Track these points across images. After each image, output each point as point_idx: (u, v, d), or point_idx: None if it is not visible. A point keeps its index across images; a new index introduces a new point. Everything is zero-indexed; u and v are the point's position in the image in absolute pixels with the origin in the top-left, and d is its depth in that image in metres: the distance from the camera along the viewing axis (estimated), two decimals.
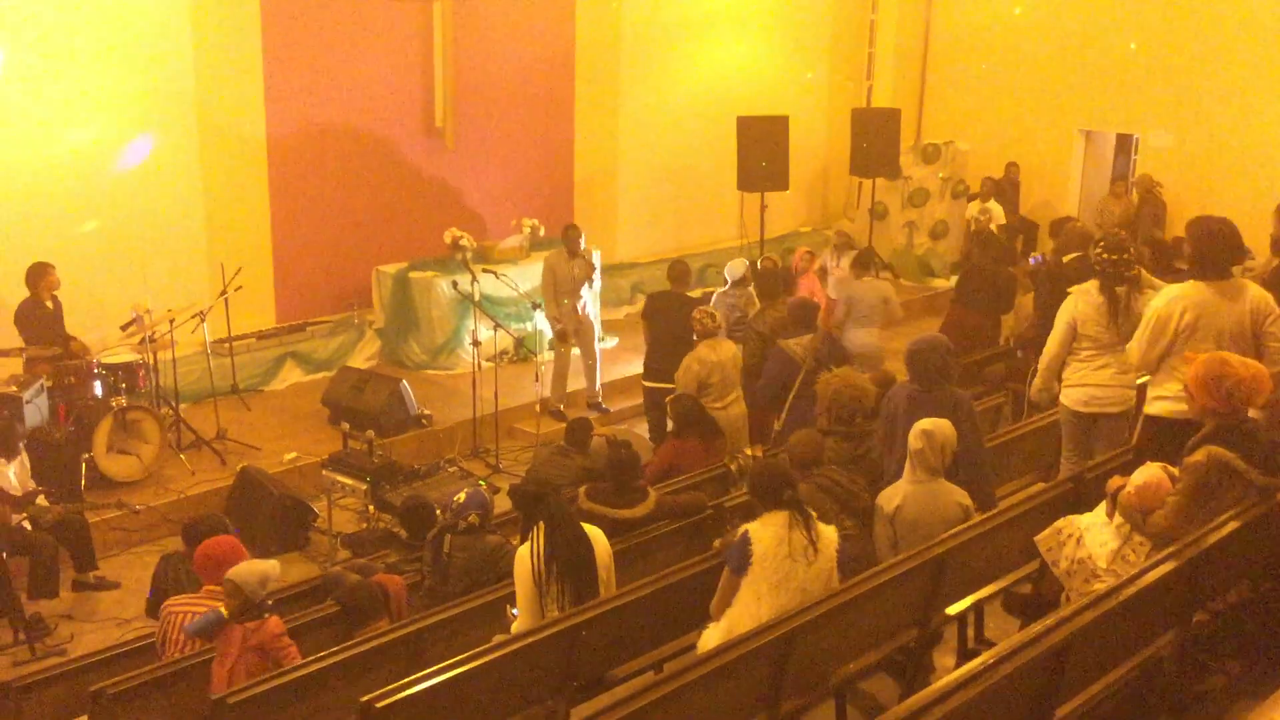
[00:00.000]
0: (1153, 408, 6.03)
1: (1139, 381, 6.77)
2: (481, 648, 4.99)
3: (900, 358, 6.80)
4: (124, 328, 9.92)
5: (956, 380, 6.44)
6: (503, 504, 6.80)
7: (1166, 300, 6.00)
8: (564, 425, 8.92)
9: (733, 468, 7.77)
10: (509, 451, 10.57)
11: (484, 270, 11.23)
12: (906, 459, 5.73)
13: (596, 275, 11.61)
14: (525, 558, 5.44)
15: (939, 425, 5.66)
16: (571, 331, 11.16)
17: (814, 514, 5.19)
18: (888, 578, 5.12)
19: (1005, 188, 15.74)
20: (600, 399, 11.50)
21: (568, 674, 5.24)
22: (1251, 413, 5.18)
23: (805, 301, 9.16)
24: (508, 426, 10.87)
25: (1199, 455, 4.88)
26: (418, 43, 12.82)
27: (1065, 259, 9.32)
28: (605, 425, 10.31)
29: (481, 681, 4.84)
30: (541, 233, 12.96)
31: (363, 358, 12.24)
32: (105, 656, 6.48)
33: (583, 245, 11.09)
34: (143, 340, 9.73)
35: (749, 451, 7.94)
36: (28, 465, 8.17)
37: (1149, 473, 5.02)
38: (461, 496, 6.24)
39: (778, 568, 4.99)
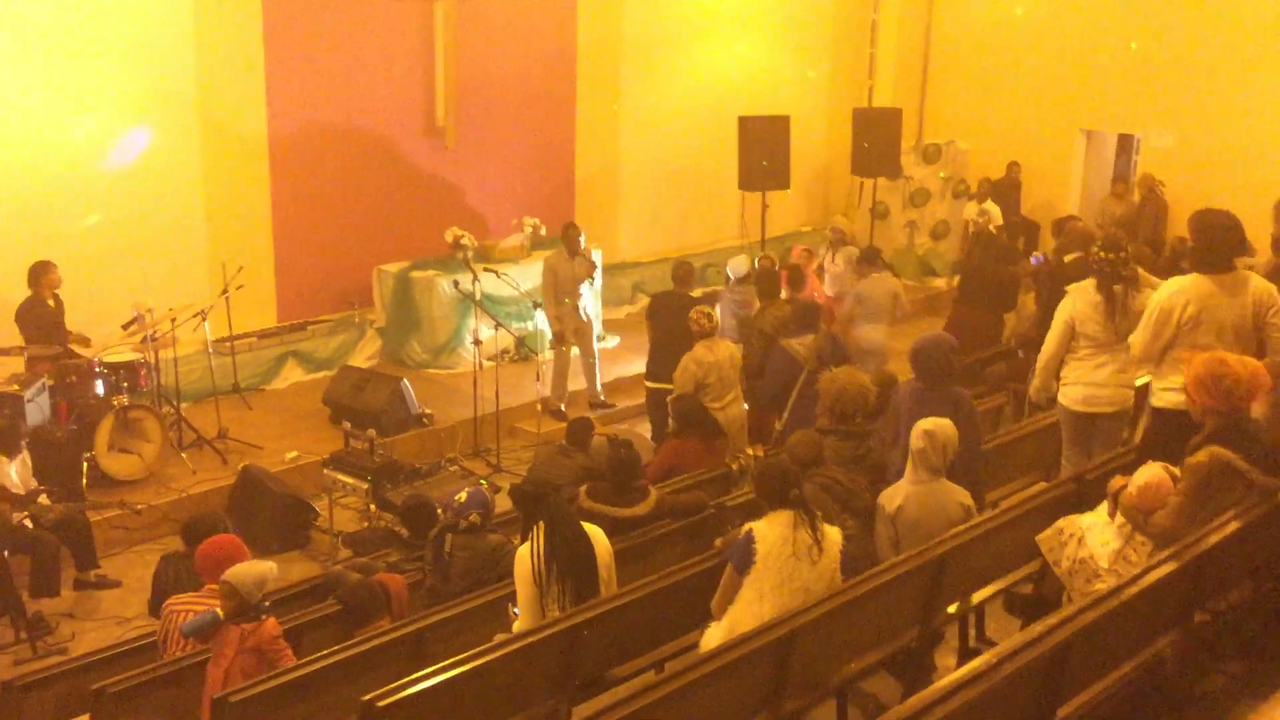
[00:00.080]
0: (1159, 400, 6.03)
1: (1139, 382, 6.77)
2: (483, 647, 4.99)
3: (904, 357, 6.81)
4: (125, 326, 9.92)
5: (959, 379, 6.46)
6: (504, 503, 6.80)
7: (1169, 293, 6.00)
8: (565, 424, 8.93)
9: (734, 467, 7.77)
10: (510, 451, 10.57)
11: (485, 269, 11.23)
12: (908, 458, 5.73)
13: (598, 274, 11.60)
14: (525, 557, 5.44)
15: (941, 425, 5.66)
16: (571, 331, 11.16)
17: (819, 514, 5.19)
18: (889, 577, 5.12)
19: (1006, 187, 15.73)
20: (602, 396, 11.50)
21: (569, 673, 5.24)
22: (1256, 410, 5.18)
23: (809, 302, 9.16)
24: (509, 426, 10.87)
25: (1200, 455, 4.88)
26: (419, 42, 12.82)
27: (1067, 258, 9.32)
28: (607, 425, 10.31)
29: (483, 681, 4.84)
30: (543, 232, 12.96)
31: (364, 357, 12.24)
32: (106, 655, 6.49)
33: (583, 244, 11.09)
34: (144, 339, 9.73)
35: (750, 451, 7.94)
36: (29, 464, 8.17)
37: (1150, 473, 5.02)
38: (463, 496, 6.24)
39: (781, 567, 4.99)
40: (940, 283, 15.80)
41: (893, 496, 5.76)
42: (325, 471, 9.00)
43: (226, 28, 11.40)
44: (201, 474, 9.56)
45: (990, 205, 14.61)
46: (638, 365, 11.61)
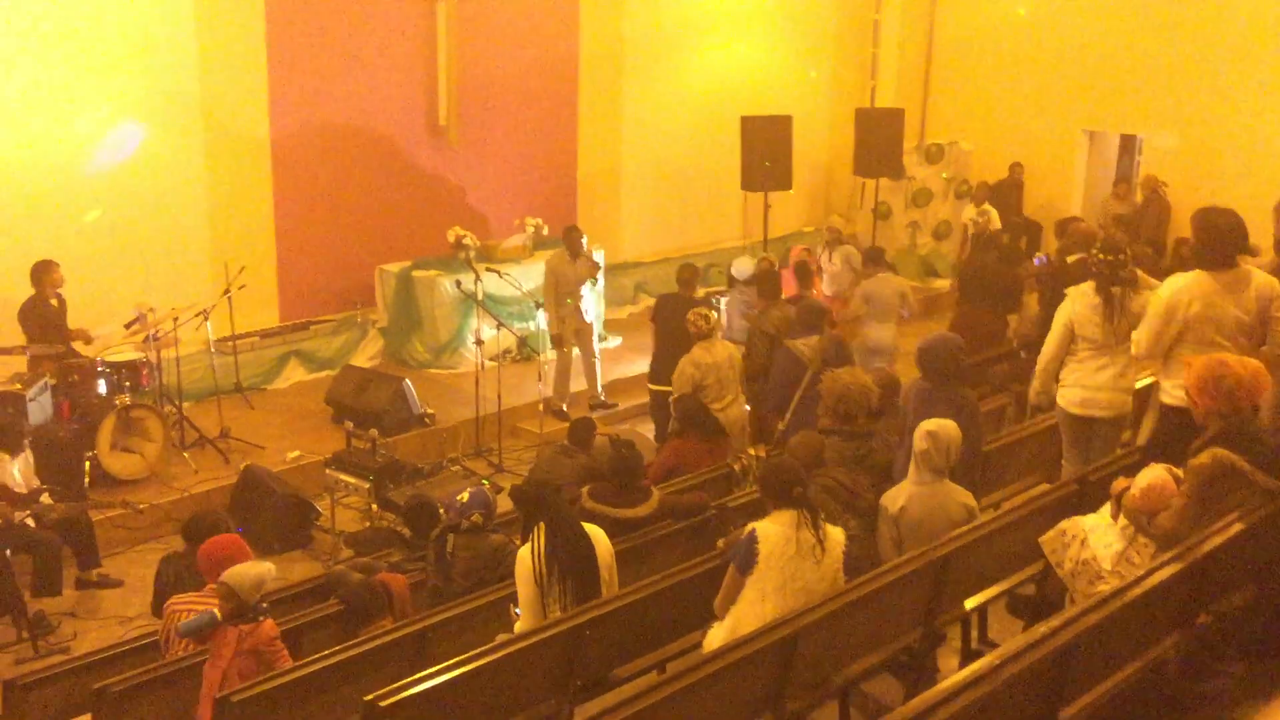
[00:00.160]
0: (1169, 398, 6.00)
1: (1141, 384, 6.77)
2: (485, 647, 4.99)
3: (908, 358, 6.81)
4: (128, 326, 9.92)
5: (965, 380, 6.47)
6: (505, 504, 6.80)
7: (1173, 290, 6.00)
8: (567, 425, 8.94)
9: (736, 468, 7.76)
10: (511, 451, 10.57)
11: (487, 269, 11.24)
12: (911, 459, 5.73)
13: (600, 276, 11.61)
14: (526, 558, 5.44)
15: (944, 426, 5.66)
16: (573, 332, 11.16)
17: (821, 513, 5.19)
18: (892, 578, 5.12)
19: (1008, 188, 15.73)
20: (602, 397, 11.50)
21: (571, 674, 5.23)
22: (1263, 412, 5.16)
23: (814, 303, 9.16)
24: (510, 426, 10.88)
25: (1204, 457, 4.87)
26: (421, 42, 12.83)
27: (1070, 259, 9.32)
28: (609, 425, 10.31)
29: (485, 681, 4.83)
30: (545, 232, 12.97)
31: (366, 357, 12.24)
32: (108, 655, 6.48)
33: (585, 246, 11.09)
34: (146, 338, 9.74)
35: (752, 452, 7.94)
36: (32, 462, 8.17)
37: (1154, 475, 5.01)
38: (465, 496, 6.25)
39: (784, 567, 4.99)
40: (943, 283, 15.80)
41: (895, 497, 5.75)
42: (327, 471, 9.01)
43: (229, 28, 11.41)
44: (203, 473, 9.56)
45: (988, 207, 14.60)
46: (639, 365, 11.62)
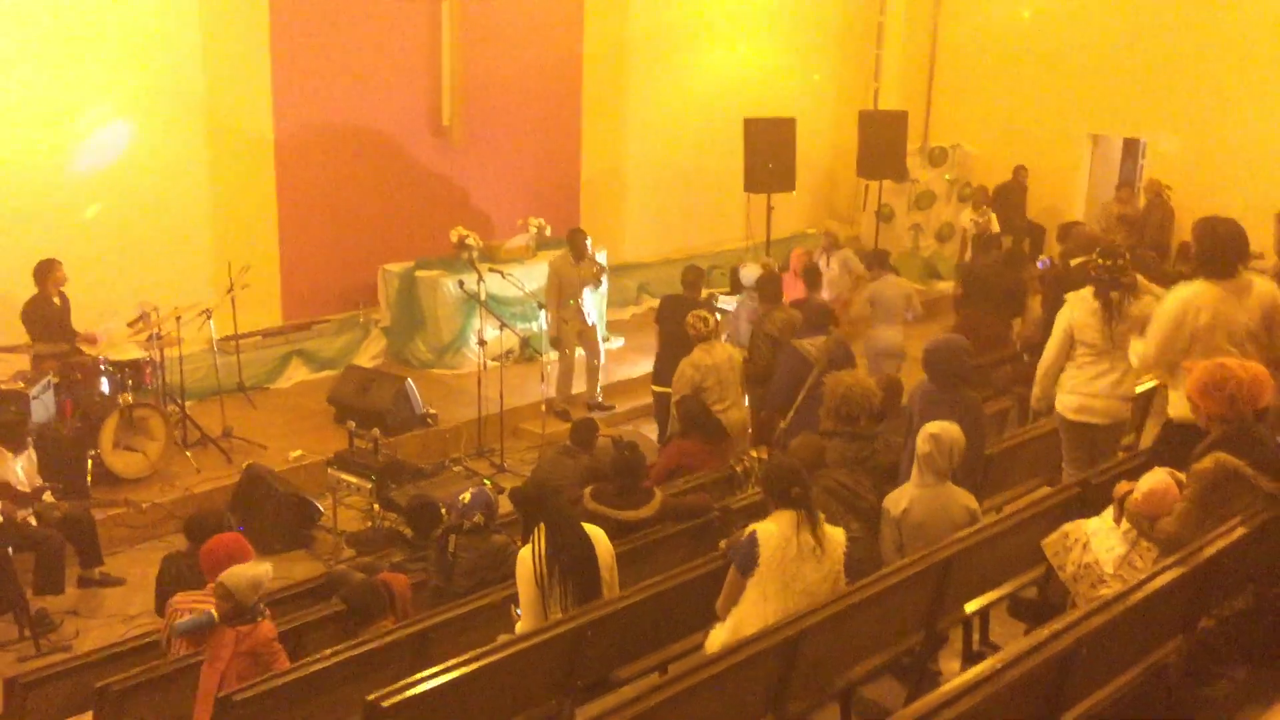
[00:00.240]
0: (1176, 411, 5.98)
1: (1139, 390, 6.78)
2: (487, 648, 4.99)
3: (916, 361, 6.83)
4: (131, 324, 9.93)
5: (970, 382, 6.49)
6: (507, 504, 6.80)
7: (1180, 301, 5.99)
8: (569, 425, 8.94)
9: (738, 470, 7.76)
10: (514, 451, 10.58)
11: (490, 270, 11.23)
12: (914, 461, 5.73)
13: (605, 278, 11.61)
14: (527, 560, 5.44)
15: (947, 429, 5.67)
16: (575, 334, 11.16)
17: (822, 515, 5.19)
18: (894, 581, 5.12)
19: (1012, 191, 15.72)
20: (600, 398, 11.49)
21: (573, 674, 5.24)
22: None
23: (821, 304, 9.16)
24: (513, 426, 10.88)
25: (1207, 462, 4.87)
26: (425, 42, 12.83)
27: (1073, 263, 9.31)
28: (612, 426, 10.31)
29: (487, 681, 4.84)
30: (548, 232, 12.97)
31: (368, 356, 12.25)
32: (110, 653, 6.50)
33: (589, 249, 11.08)
34: (149, 337, 9.74)
35: (754, 453, 7.94)
36: (35, 460, 8.18)
37: (1157, 479, 5.01)
38: (466, 496, 6.26)
39: (785, 569, 4.99)
40: (945, 286, 15.79)
41: (898, 500, 5.76)
42: (329, 471, 9.02)
43: (233, 27, 11.41)
44: (206, 472, 9.57)
45: (986, 209, 14.59)
46: (642, 366, 11.64)
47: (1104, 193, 16.23)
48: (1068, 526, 5.30)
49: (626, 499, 6.45)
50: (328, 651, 5.37)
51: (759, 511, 5.30)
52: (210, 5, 11.19)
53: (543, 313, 11.24)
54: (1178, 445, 5.68)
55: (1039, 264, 11.09)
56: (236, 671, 5.29)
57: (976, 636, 6.13)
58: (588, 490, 6.58)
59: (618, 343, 13.08)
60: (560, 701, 5.23)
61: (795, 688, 4.78)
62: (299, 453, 10.00)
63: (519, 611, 5.56)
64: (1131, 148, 16.72)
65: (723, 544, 5.78)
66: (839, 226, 13.59)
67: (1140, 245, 13.09)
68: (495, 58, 13.30)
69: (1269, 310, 5.92)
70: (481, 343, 10.59)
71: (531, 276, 11.77)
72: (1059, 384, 6.88)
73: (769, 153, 13.69)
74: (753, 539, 5.04)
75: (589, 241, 11.10)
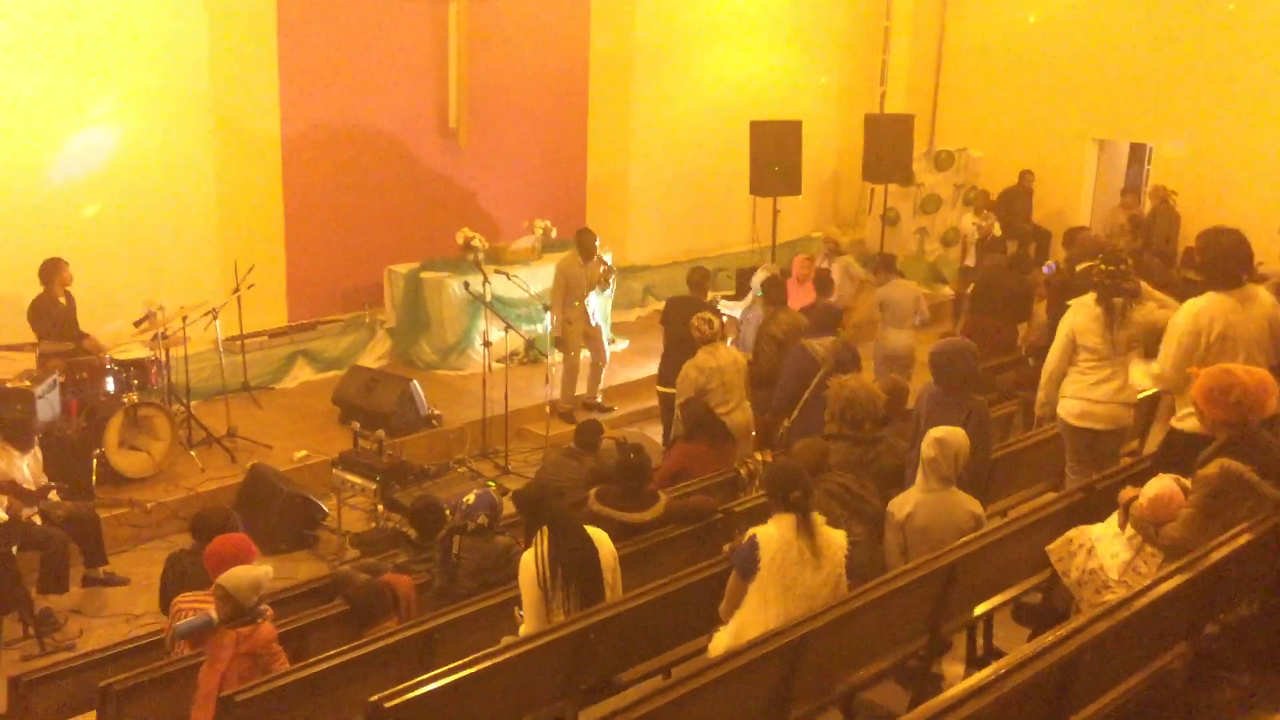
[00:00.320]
0: (1185, 424, 5.96)
1: (1142, 396, 6.78)
2: (490, 649, 4.99)
3: (924, 365, 6.85)
4: (137, 324, 9.94)
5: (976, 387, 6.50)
6: (511, 506, 6.81)
7: (1193, 314, 5.99)
8: (573, 427, 8.93)
9: (742, 473, 7.76)
10: (518, 453, 10.58)
11: (495, 271, 11.24)
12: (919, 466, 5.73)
13: (613, 279, 11.60)
14: (529, 563, 5.44)
15: (952, 434, 5.67)
16: (581, 335, 11.16)
17: (820, 518, 5.17)
18: (898, 585, 5.12)
19: (1018, 195, 15.71)
20: (600, 399, 11.48)
21: (576, 677, 5.24)
22: None
23: (830, 306, 9.16)
24: (517, 428, 10.88)
25: (1212, 468, 4.87)
26: (432, 43, 12.84)
27: (1078, 268, 9.31)
28: (616, 428, 10.30)
29: (490, 683, 4.84)
30: (554, 234, 12.97)
31: (374, 357, 12.26)
32: (114, 652, 6.50)
33: (597, 249, 11.09)
34: (155, 337, 9.76)
35: (759, 456, 7.93)
36: (40, 459, 8.19)
37: (1162, 485, 5.00)
38: (471, 498, 6.26)
39: (785, 573, 4.99)
40: (950, 290, 15.77)
41: (903, 504, 5.76)
42: (334, 471, 9.02)
43: (241, 26, 11.42)
44: (210, 472, 9.57)
45: (989, 214, 14.58)
46: (647, 369, 11.64)
47: (1110, 198, 16.21)
48: (1072, 532, 5.30)
49: (631, 501, 6.45)
50: (331, 652, 5.37)
51: (763, 514, 5.30)
52: (218, 6, 11.20)
53: (548, 314, 11.23)
54: (1183, 451, 5.68)
55: (1045, 269, 11.09)
56: (237, 673, 5.28)
57: (980, 642, 6.13)
58: (593, 492, 6.58)
59: (623, 345, 13.08)
60: (564, 704, 5.23)
61: (798, 692, 4.78)
62: (303, 453, 10.01)
63: (522, 613, 5.56)
64: (1138, 153, 16.70)
65: (727, 547, 5.78)
66: (840, 232, 13.56)
67: (1146, 251, 13.09)
68: (502, 60, 13.31)
69: (1274, 320, 5.95)
70: (486, 344, 10.60)
71: (537, 278, 11.77)
72: (1062, 389, 6.89)
73: (775, 156, 13.69)
74: (753, 543, 5.04)
75: (597, 242, 11.10)
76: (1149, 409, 8.03)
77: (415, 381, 10.76)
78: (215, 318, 10.29)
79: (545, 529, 5.45)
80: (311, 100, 12.02)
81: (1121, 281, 6.61)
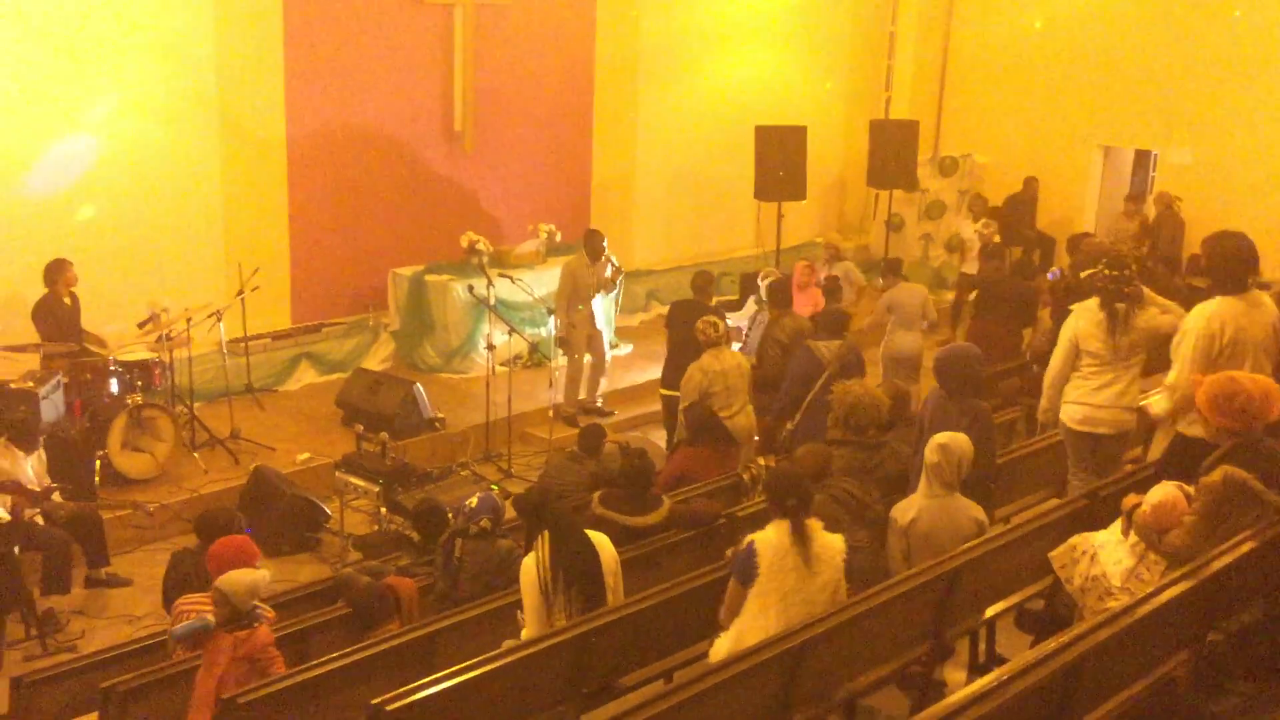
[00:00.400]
0: (1192, 429, 5.94)
1: (1142, 403, 6.78)
2: (492, 653, 4.99)
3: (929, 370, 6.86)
4: (141, 325, 9.96)
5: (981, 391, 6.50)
6: (512, 510, 6.81)
7: (1205, 320, 5.98)
8: (576, 431, 8.93)
9: (745, 477, 7.75)
10: (521, 456, 10.57)
11: (500, 275, 11.25)
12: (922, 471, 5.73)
13: (621, 279, 11.60)
14: (531, 568, 5.44)
15: (956, 439, 5.66)
16: (584, 337, 11.16)
17: (818, 524, 5.14)
18: (900, 591, 5.11)
19: (1023, 202, 15.70)
20: (599, 403, 11.48)
21: (578, 681, 5.23)
22: None
23: (837, 310, 9.16)
24: (520, 431, 10.87)
25: (1215, 476, 4.86)
26: (438, 47, 12.86)
27: (1082, 275, 9.30)
28: (621, 432, 10.30)
29: (492, 686, 4.84)
30: (558, 238, 12.97)
31: (377, 360, 12.26)
32: (116, 653, 6.50)
33: (606, 250, 11.08)
34: (159, 338, 9.77)
35: (762, 461, 7.93)
36: (45, 460, 8.20)
37: (1165, 491, 4.99)
38: (473, 501, 6.26)
39: (783, 580, 4.97)
40: (948, 294, 15.76)
41: (906, 509, 5.75)
42: (337, 474, 9.03)
43: (247, 29, 11.45)
44: (213, 474, 9.58)
45: (990, 219, 14.56)
46: (650, 373, 11.63)
47: (1115, 204, 16.19)
48: (1075, 539, 5.29)
49: (635, 505, 6.45)
50: (333, 655, 5.37)
51: (766, 519, 5.30)
52: (225, 9, 11.23)
53: (551, 318, 11.23)
54: (1186, 458, 5.67)
55: (1049, 275, 11.08)
56: (234, 677, 5.27)
57: (983, 648, 6.12)
58: (597, 495, 6.58)
59: (626, 349, 13.07)
60: (565, 708, 5.22)
61: (799, 697, 4.78)
62: (306, 455, 10.02)
63: (524, 617, 5.56)
64: (1143, 159, 16.68)
65: (729, 552, 5.78)
66: (840, 238, 13.56)
67: (1151, 257, 13.07)
68: (507, 64, 13.33)
69: (1278, 325, 5.95)
70: (490, 347, 10.60)
71: (541, 282, 11.77)
72: (1064, 394, 6.88)
73: (780, 161, 13.69)
74: (751, 550, 5.03)
75: (605, 242, 11.09)
76: (1143, 422, 8.02)
77: (419, 384, 10.76)
78: (219, 319, 10.30)
79: (546, 533, 5.45)
80: (317, 103, 12.05)
81: (1124, 286, 6.61)
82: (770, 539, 5.03)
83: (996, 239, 13.66)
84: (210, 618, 5.36)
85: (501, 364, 11.02)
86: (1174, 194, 14.64)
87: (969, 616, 5.68)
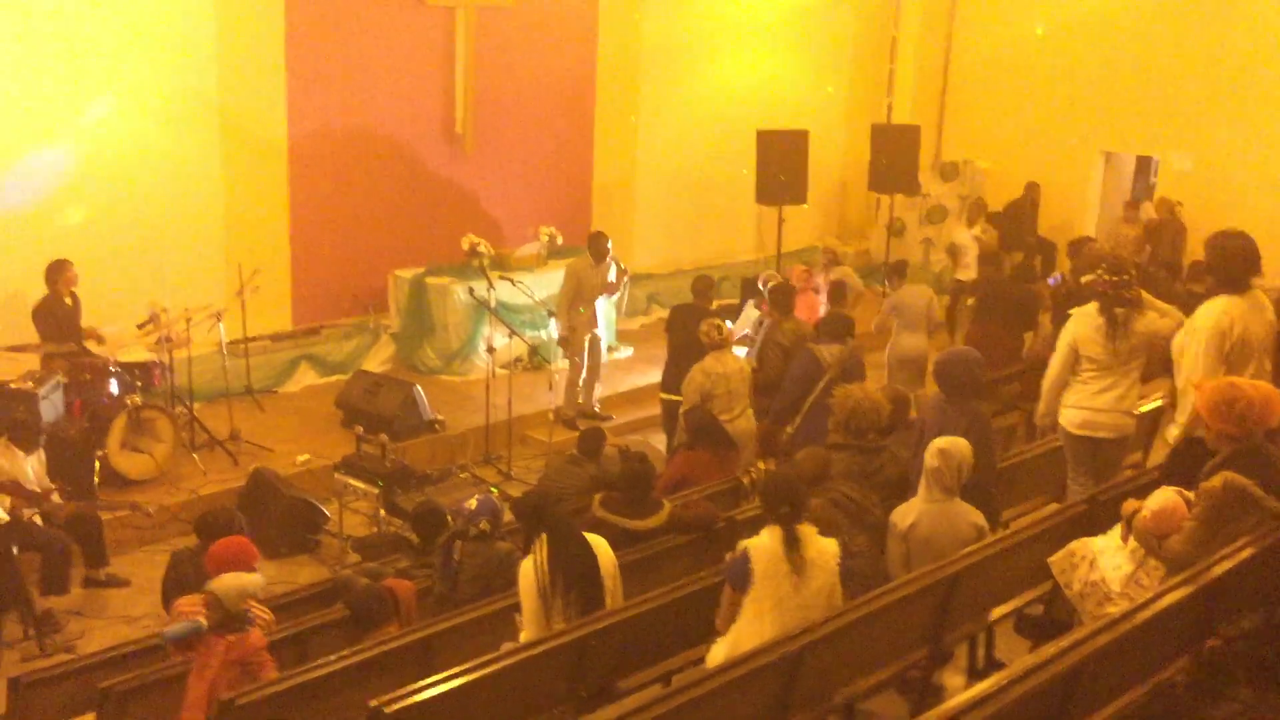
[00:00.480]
0: (1199, 432, 5.96)
1: (1145, 409, 6.78)
2: (491, 655, 4.99)
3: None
4: (141, 326, 9.95)
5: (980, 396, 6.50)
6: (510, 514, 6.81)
7: (1215, 317, 5.99)
8: (576, 434, 8.92)
9: (745, 481, 7.75)
10: (521, 459, 10.57)
11: (500, 277, 11.24)
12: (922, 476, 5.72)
13: (626, 281, 11.60)
14: (529, 571, 5.43)
15: (955, 444, 5.66)
16: (585, 339, 11.15)
17: (811, 530, 5.12)
18: (899, 596, 5.11)
19: (1024, 207, 15.70)
20: (596, 407, 11.47)
21: (576, 684, 5.23)
22: None
23: (840, 314, 9.16)
24: (520, 434, 10.87)
25: (1215, 481, 4.85)
26: (439, 49, 12.86)
27: (1083, 280, 9.30)
28: (621, 435, 10.29)
29: (490, 689, 4.83)
30: (559, 241, 12.97)
31: (377, 362, 12.25)
32: (114, 654, 6.50)
33: (610, 252, 11.08)
34: (159, 339, 9.77)
35: (762, 465, 7.92)
36: (45, 461, 8.20)
37: (1165, 497, 4.99)
38: (473, 503, 6.25)
39: (778, 586, 4.96)
40: (945, 298, 15.76)
41: (905, 514, 5.74)
42: (336, 475, 9.02)
43: (249, 31, 11.45)
44: (212, 475, 9.58)
45: (987, 224, 14.56)
46: (650, 376, 11.63)
47: (1116, 210, 16.18)
48: (1075, 544, 5.29)
49: (636, 508, 6.44)
50: (332, 657, 5.36)
51: (763, 524, 5.29)
52: (226, 9, 11.24)
53: (552, 320, 11.22)
54: (1186, 463, 5.67)
55: (1050, 281, 11.08)
56: (225, 681, 5.26)
57: (982, 653, 6.11)
58: (597, 498, 6.57)
59: (626, 352, 13.07)
60: (563, 711, 5.22)
61: (797, 701, 4.77)
62: (306, 457, 10.01)
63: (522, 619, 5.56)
64: (1144, 165, 16.68)
65: (729, 556, 5.77)
66: (839, 243, 13.56)
67: (1152, 263, 13.06)
68: (509, 66, 13.33)
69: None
70: (490, 350, 10.60)
71: (542, 285, 11.77)
72: (1063, 399, 6.88)
73: (781, 165, 13.68)
74: (745, 556, 5.01)
75: (609, 244, 11.09)
76: (1152, 421, 8.02)
77: (418, 386, 10.76)
78: (219, 320, 10.30)
79: (545, 536, 5.44)
80: (318, 104, 12.05)
81: (1123, 291, 6.61)
82: (764, 545, 5.01)
83: (994, 244, 13.67)
84: (202, 620, 5.34)
85: (502, 366, 11.02)
86: (1175, 199, 14.65)
87: (968, 621, 5.68)
